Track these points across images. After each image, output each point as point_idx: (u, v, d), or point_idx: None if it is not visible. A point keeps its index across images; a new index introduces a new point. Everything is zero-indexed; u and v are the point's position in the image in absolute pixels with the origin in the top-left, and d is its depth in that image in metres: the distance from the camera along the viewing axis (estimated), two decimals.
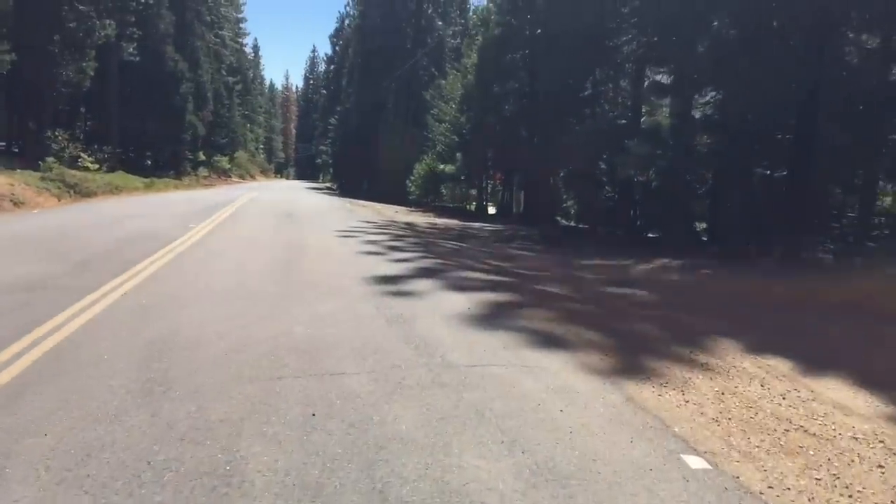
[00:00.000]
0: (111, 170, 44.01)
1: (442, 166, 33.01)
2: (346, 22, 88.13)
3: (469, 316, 7.35)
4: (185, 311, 6.92)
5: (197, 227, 15.36)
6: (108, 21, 35.85)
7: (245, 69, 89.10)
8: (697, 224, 21.40)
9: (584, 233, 22.23)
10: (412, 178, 36.28)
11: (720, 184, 17.64)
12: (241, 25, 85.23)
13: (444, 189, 35.23)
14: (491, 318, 7.30)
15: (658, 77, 24.75)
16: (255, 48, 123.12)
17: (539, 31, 27.44)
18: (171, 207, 22.87)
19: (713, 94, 16.24)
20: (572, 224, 28.54)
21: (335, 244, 13.63)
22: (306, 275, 9.64)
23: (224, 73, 73.32)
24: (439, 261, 11.75)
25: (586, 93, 26.36)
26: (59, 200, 24.59)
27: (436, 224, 22.81)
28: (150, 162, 53.30)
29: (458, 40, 60.93)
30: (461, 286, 9.27)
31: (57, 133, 32.31)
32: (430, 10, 58.73)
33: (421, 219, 25.72)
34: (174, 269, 9.55)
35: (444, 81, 35.81)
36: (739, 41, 13.39)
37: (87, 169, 38.12)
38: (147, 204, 24.63)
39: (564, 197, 30.03)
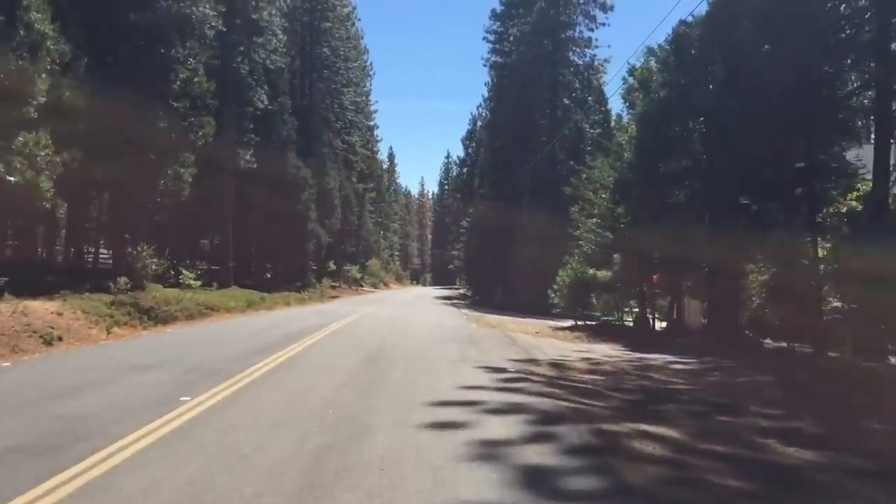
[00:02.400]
0: (223, 285, 39.14)
1: (591, 271, 25.36)
2: (479, 123, 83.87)
3: None
4: None
5: (191, 403, 8.50)
6: (207, 118, 31.23)
7: (378, 176, 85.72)
8: None
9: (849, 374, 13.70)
10: (556, 287, 28.68)
11: None
12: (375, 133, 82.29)
13: (594, 298, 27.39)
14: None
15: None
16: (391, 156, 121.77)
17: (720, 89, 19.88)
18: (232, 343, 16.40)
19: None
20: (783, 345, 20.04)
21: (406, 467, 6.20)
22: None
23: (354, 180, 69.54)
24: None
25: (799, 164, 18.32)
26: (108, 333, 18.79)
27: (596, 360, 14.97)
28: (269, 275, 48.58)
29: (598, 130, 54.29)
30: None
31: (140, 248, 27.30)
32: (565, 101, 52.39)
33: (571, 347, 17.99)
34: None
35: (591, 167, 28.57)
36: None
37: (188, 286, 33.27)
38: (205, 336, 18.26)
39: (755, 304, 21.67)
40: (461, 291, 76.25)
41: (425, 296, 62.69)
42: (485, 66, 61.26)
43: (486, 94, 71.97)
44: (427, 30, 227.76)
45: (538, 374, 11.90)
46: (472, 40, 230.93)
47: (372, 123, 79.78)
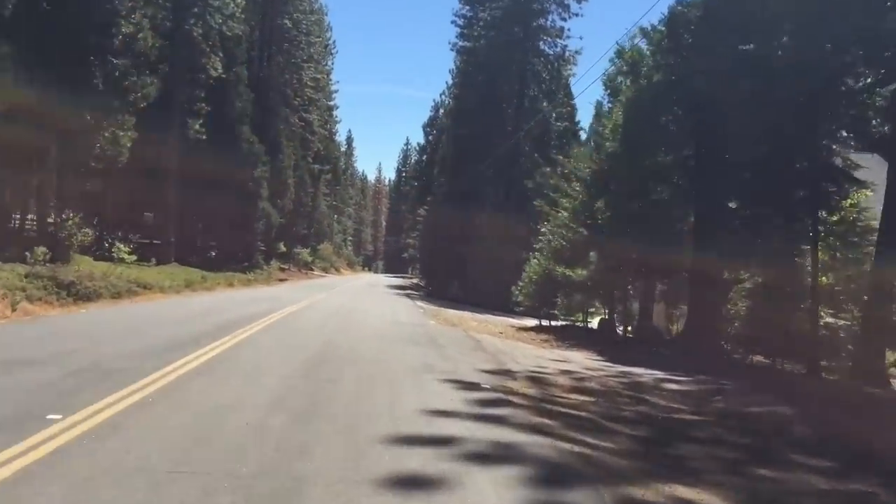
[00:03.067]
0: (162, 262, 36.28)
1: (560, 269, 23.27)
2: (441, 111, 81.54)
3: None
4: None
5: (62, 424, 6.10)
6: (150, 79, 28.29)
7: (335, 158, 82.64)
8: None
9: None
10: (520, 284, 26.50)
11: None
12: (334, 113, 79.15)
13: (560, 298, 25.28)
14: None
15: None
16: (349, 139, 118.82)
17: (720, 77, 17.85)
18: (152, 331, 13.87)
19: None
20: (767, 361, 18.26)
21: None
22: None
23: (310, 160, 66.56)
24: None
25: (802, 164, 16.47)
26: (13, 311, 16.09)
27: (578, 375, 12.77)
28: (214, 253, 45.56)
29: (565, 124, 52.49)
30: None
31: (67, 216, 24.42)
32: (534, 91, 50.32)
33: (544, 355, 15.82)
34: None
35: (566, 157, 26.45)
36: None
37: (121, 261, 30.46)
38: (125, 320, 15.66)
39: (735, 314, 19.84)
40: (414, 281, 73.92)
41: (378, 284, 60.04)
42: (452, 50, 58.81)
43: (450, 81, 69.75)
44: (391, 14, 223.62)
45: (518, 394, 9.67)
46: (438, 27, 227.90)
47: (332, 103, 76.81)
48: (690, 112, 18.88)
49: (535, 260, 25.22)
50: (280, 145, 55.25)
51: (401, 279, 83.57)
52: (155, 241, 40.43)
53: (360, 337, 14.87)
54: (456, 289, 47.84)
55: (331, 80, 75.05)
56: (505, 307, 39.99)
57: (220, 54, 42.37)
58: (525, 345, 17.76)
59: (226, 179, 44.40)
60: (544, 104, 49.52)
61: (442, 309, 29.92)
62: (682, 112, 19.22)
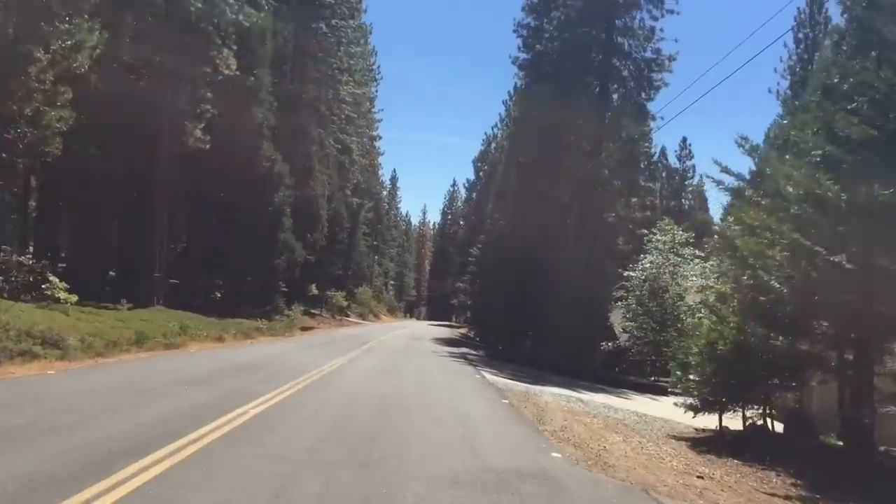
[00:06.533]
0: (141, 304, 25.41)
1: (780, 338, 11.48)
2: (493, 144, 70.91)
3: None
4: None
5: None
6: (88, 23, 17.58)
7: (376, 194, 71.93)
8: None
9: None
10: (689, 356, 14.38)
11: None
12: (376, 144, 68.69)
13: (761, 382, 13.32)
14: None
15: None
16: (393, 179, 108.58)
17: None
18: None
19: None
20: None
21: None
22: None
23: (349, 192, 55.96)
24: None
25: None
26: None
27: None
28: (220, 294, 34.46)
29: (650, 143, 41.32)
30: None
31: None
32: (617, 100, 39.10)
33: None
34: None
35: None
36: None
37: (58, 301, 19.73)
38: None
39: None
40: (463, 331, 62.03)
41: (422, 336, 47.79)
42: (513, 64, 47.88)
43: (508, 102, 59.23)
44: (433, 61, 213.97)
45: None
46: (483, 78, 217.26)
47: (375, 133, 66.38)
48: None
49: (714, 317, 13.41)
50: (311, 170, 44.76)
51: (447, 328, 71.26)
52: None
53: None
54: (529, 348, 35.89)
55: (374, 107, 64.89)
56: (592, 374, 28.36)
57: (234, 48, 32.11)
58: None
59: (239, 205, 34.03)
60: (631, 120, 38.11)
61: (528, 388, 18.08)
62: None
